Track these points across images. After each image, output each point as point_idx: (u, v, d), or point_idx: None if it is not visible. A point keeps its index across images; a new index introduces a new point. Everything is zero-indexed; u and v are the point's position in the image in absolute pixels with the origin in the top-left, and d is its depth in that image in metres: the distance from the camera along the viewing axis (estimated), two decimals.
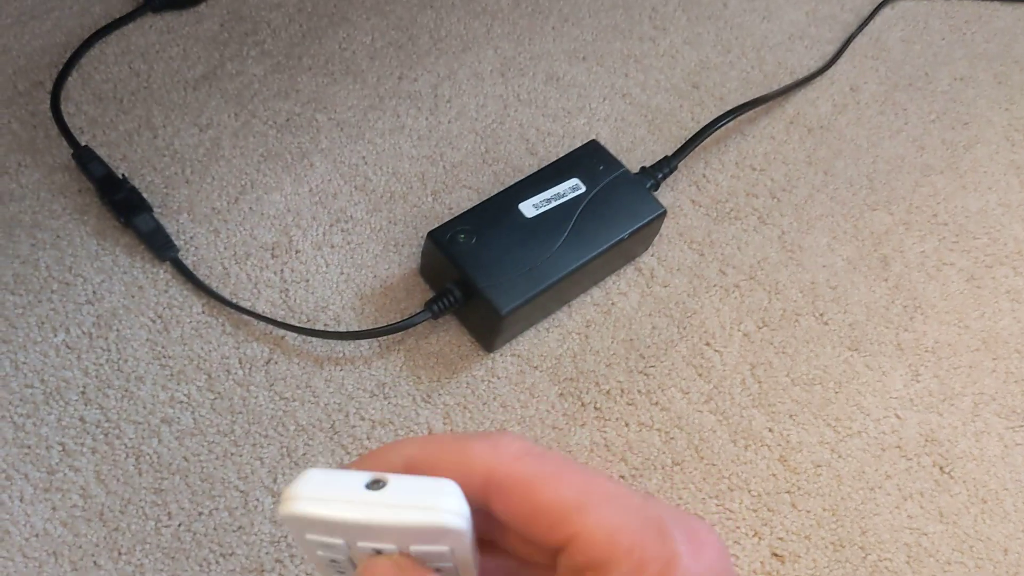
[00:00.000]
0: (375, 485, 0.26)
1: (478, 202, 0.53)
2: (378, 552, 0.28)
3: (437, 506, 0.26)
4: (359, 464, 0.28)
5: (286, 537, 0.45)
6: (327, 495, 0.26)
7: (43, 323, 0.49)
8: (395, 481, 0.26)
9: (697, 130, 0.61)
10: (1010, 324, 0.59)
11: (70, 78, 0.58)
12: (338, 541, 0.27)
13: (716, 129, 0.62)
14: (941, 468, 0.53)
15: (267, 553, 0.45)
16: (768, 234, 0.60)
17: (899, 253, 0.61)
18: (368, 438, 0.48)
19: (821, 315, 0.57)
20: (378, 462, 0.28)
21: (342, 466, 0.28)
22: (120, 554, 0.44)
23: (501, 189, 0.54)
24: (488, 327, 0.51)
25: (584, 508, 0.27)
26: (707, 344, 0.55)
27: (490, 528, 0.29)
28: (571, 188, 0.54)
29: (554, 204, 0.53)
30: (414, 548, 0.28)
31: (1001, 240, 0.62)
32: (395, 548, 0.28)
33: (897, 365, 0.56)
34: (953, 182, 0.65)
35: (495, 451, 0.27)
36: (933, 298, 0.59)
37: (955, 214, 0.63)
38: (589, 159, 0.56)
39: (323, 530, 0.27)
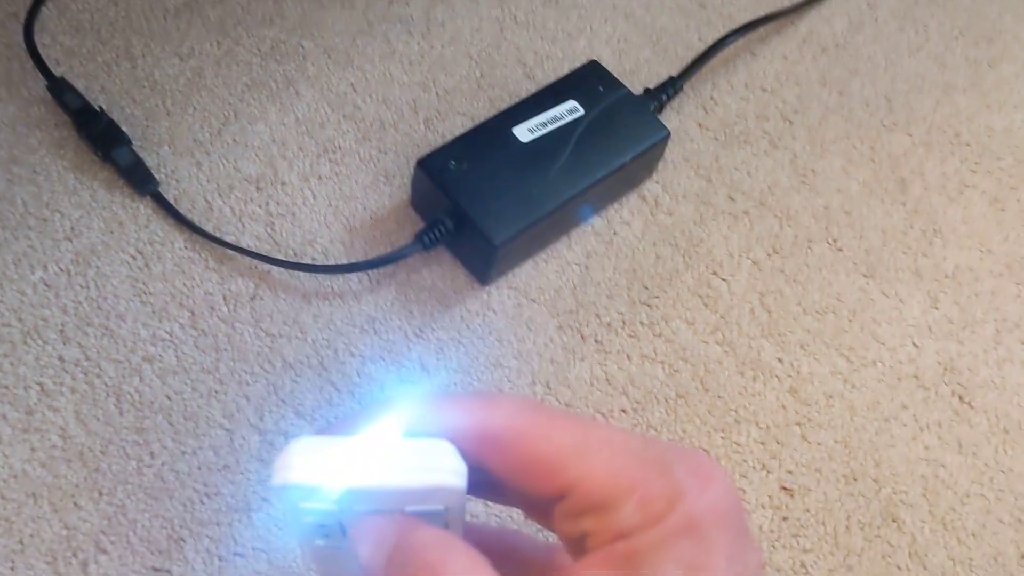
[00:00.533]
0: (370, 449, 0.25)
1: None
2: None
3: (436, 466, 0.26)
4: (349, 427, 0.27)
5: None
6: (321, 462, 0.25)
7: (20, 260, 0.47)
8: (390, 444, 0.26)
9: (704, 50, 0.58)
10: None
11: (44, 8, 0.56)
12: (332, 508, 0.26)
13: (724, 48, 0.58)
14: (960, 398, 0.50)
15: (254, 492, 0.43)
16: (779, 158, 0.57)
17: (918, 175, 0.57)
18: (358, 374, 0.47)
19: (835, 241, 0.54)
20: (370, 425, 0.27)
21: (331, 432, 0.27)
22: (101, 494, 0.42)
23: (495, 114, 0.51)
24: (482, 258, 0.49)
25: (582, 454, 0.26)
26: (714, 273, 0.52)
27: (484, 482, 0.28)
28: (569, 111, 0.51)
29: (551, 128, 0.51)
30: (409, 508, 0.27)
31: None
32: (389, 511, 0.27)
33: (915, 292, 0.53)
34: (976, 101, 0.61)
35: (488, 408, 0.27)
36: (954, 221, 0.56)
37: (978, 134, 0.60)
38: (588, 80, 0.53)
39: (318, 497, 0.26)
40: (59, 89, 0.51)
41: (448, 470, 0.26)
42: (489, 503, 0.43)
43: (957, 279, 0.54)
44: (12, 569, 0.40)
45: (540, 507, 0.29)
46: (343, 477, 0.25)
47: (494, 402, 0.27)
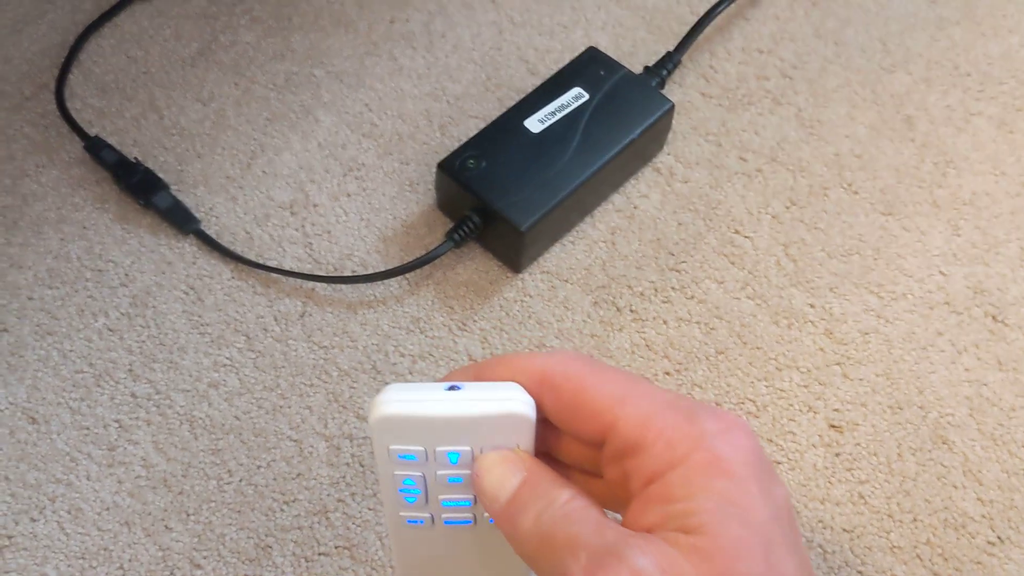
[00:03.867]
0: (452, 389, 0.30)
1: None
2: (452, 463, 0.31)
3: (508, 398, 0.30)
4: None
5: (345, 478, 0.46)
6: (413, 397, 0.30)
7: (82, 311, 0.50)
8: (468, 385, 0.31)
9: (696, 21, 0.60)
10: None
11: (71, 75, 0.59)
12: (419, 448, 0.31)
13: (715, 17, 0.60)
14: (994, 317, 0.51)
15: (328, 495, 0.46)
16: (784, 114, 0.59)
17: (923, 111, 0.59)
18: (410, 372, 0.49)
19: (849, 185, 0.56)
20: (450, 378, 0.32)
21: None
22: (188, 515, 0.45)
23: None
24: (512, 247, 0.51)
25: (622, 401, 0.30)
26: (736, 232, 0.54)
27: (545, 439, 0.32)
28: (574, 97, 0.53)
29: (559, 116, 0.53)
30: (486, 448, 0.31)
31: None
32: (470, 450, 0.31)
33: (935, 223, 0.55)
34: (971, 31, 0.62)
35: (548, 356, 0.31)
36: (964, 150, 0.57)
37: (977, 63, 0.61)
38: (589, 67, 0.55)
39: (408, 435, 0.30)
40: (95, 147, 0.54)
41: (519, 401, 0.30)
42: None
43: (975, 205, 0.55)
44: None
45: (589, 459, 0.32)
46: (430, 408, 0.30)
47: (553, 353, 0.31)
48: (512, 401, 0.30)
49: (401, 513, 0.33)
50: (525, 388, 0.30)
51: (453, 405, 0.30)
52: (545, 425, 0.32)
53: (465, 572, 0.38)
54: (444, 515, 0.33)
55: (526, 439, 0.31)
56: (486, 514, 0.33)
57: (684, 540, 0.27)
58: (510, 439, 0.31)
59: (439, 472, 0.31)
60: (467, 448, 0.31)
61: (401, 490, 0.32)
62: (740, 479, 0.28)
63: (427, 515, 0.33)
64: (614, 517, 0.30)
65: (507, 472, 0.30)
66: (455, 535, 0.35)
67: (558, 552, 0.28)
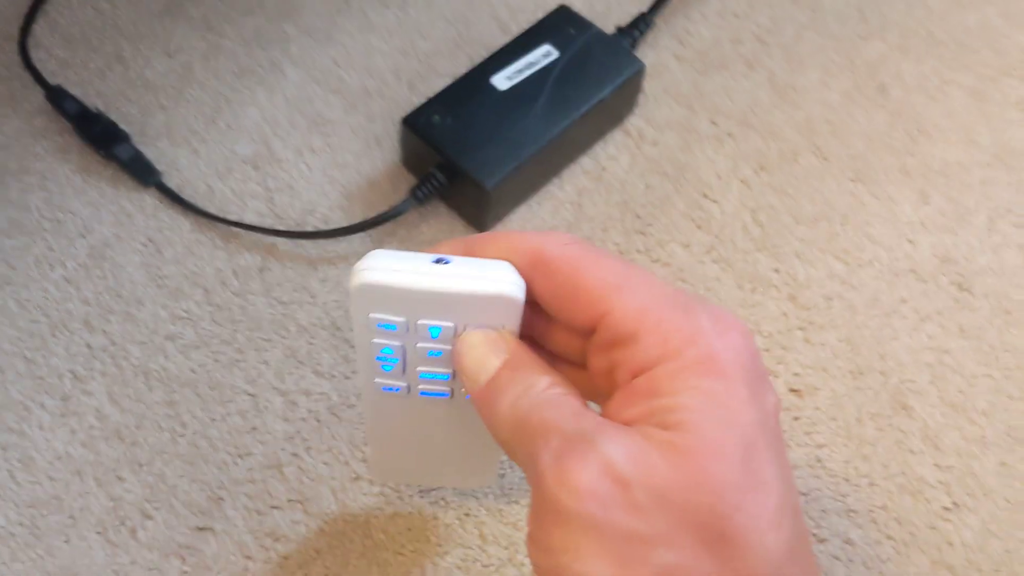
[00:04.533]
0: (440, 262, 0.28)
1: None
2: (433, 337, 0.30)
3: (498, 278, 0.28)
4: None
5: (300, 433, 0.46)
6: (397, 267, 0.28)
7: (40, 261, 0.50)
8: (457, 260, 0.29)
9: None
10: (1022, 134, 0.56)
11: (36, 26, 0.58)
12: (400, 319, 0.29)
13: None
14: (959, 286, 0.51)
15: (283, 449, 0.45)
16: (757, 79, 0.58)
17: (896, 79, 0.58)
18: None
19: (820, 151, 0.55)
20: (438, 250, 0.30)
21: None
22: (140, 466, 0.45)
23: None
24: (476, 205, 0.51)
25: (621, 289, 0.28)
26: (704, 196, 0.54)
27: (531, 324, 0.31)
28: (543, 55, 0.53)
29: (527, 73, 0.52)
30: (471, 325, 0.29)
31: (1004, 51, 0.60)
32: (452, 326, 0.29)
33: (904, 191, 0.54)
34: (947, 0, 0.62)
35: (544, 236, 0.29)
36: (936, 118, 0.57)
37: (952, 31, 0.60)
38: (560, 25, 0.54)
39: (389, 305, 0.29)
40: (57, 97, 0.54)
41: (509, 282, 0.28)
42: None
43: (946, 174, 0.55)
44: (67, 542, 0.43)
45: (575, 348, 0.31)
46: (414, 280, 0.28)
47: (549, 233, 0.30)
48: (501, 282, 0.28)
49: (376, 380, 0.32)
50: (517, 268, 0.29)
51: (439, 280, 0.28)
52: (532, 309, 0.30)
53: (438, 446, 0.37)
54: (421, 386, 0.32)
55: (512, 321, 0.30)
56: (463, 390, 0.32)
57: (661, 435, 0.26)
58: (495, 319, 0.29)
59: (419, 345, 0.30)
60: (450, 324, 0.29)
61: (378, 358, 0.31)
62: (730, 380, 0.27)
63: (403, 384, 0.32)
64: (594, 408, 0.29)
65: (489, 352, 0.29)
66: (430, 407, 0.34)
67: (531, 436, 0.27)
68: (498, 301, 0.29)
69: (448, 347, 0.30)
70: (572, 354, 0.32)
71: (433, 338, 0.30)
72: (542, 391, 0.28)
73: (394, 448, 0.38)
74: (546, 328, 0.32)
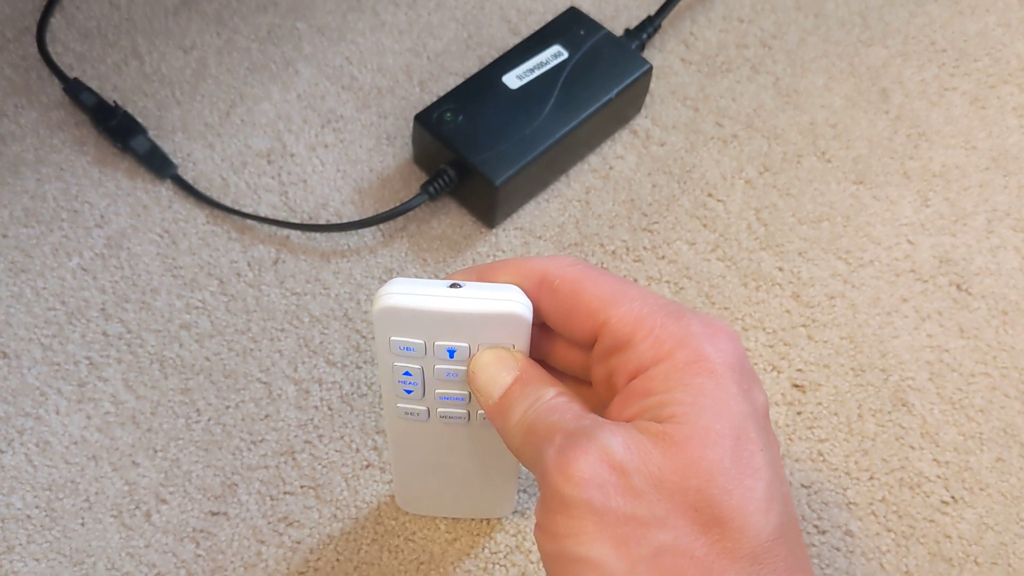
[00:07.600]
0: (454, 287, 0.31)
1: None
2: (450, 357, 0.33)
3: (508, 298, 0.31)
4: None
5: (313, 420, 0.46)
6: (416, 291, 0.31)
7: (57, 250, 0.51)
8: (470, 284, 0.32)
9: None
10: (1019, 140, 0.58)
11: (53, 19, 0.59)
12: (419, 340, 0.32)
13: None
14: (958, 286, 0.52)
15: (296, 436, 0.46)
16: (762, 82, 0.59)
17: (898, 84, 0.60)
18: None
19: (823, 153, 0.57)
20: (453, 276, 0.33)
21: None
22: (155, 451, 0.45)
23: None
24: (486, 201, 0.51)
25: (617, 301, 0.31)
26: (709, 195, 0.55)
27: (539, 346, 0.34)
28: (553, 55, 0.54)
29: (538, 73, 0.53)
30: (483, 345, 0.32)
31: (1003, 59, 0.61)
32: (467, 346, 0.32)
33: (905, 193, 0.55)
34: (949, 8, 0.63)
35: (547, 260, 0.33)
36: (937, 123, 0.58)
37: (954, 39, 0.62)
38: (570, 27, 0.55)
39: (408, 328, 0.32)
40: (75, 90, 0.54)
41: (517, 302, 0.31)
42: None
43: (945, 177, 0.56)
44: (83, 525, 0.43)
45: (581, 365, 0.34)
46: (432, 303, 0.31)
47: (553, 257, 0.33)
48: (510, 302, 0.31)
49: (399, 404, 0.35)
50: (524, 290, 0.32)
51: (454, 302, 0.31)
52: (541, 331, 0.33)
53: (457, 474, 0.39)
54: (440, 408, 0.35)
55: (521, 340, 0.32)
56: (479, 412, 0.35)
57: (656, 427, 0.28)
58: (506, 339, 0.32)
59: (437, 366, 0.33)
60: (465, 344, 0.32)
61: (400, 381, 0.34)
62: (720, 378, 0.29)
63: (423, 408, 0.35)
64: None
65: (501, 370, 0.32)
66: (449, 433, 0.36)
67: (539, 440, 0.30)
68: (508, 320, 0.31)
69: (463, 368, 0.33)
70: (577, 370, 0.34)
71: (450, 358, 0.33)
72: (549, 400, 0.31)
73: (416, 476, 0.40)
74: (552, 347, 0.34)
